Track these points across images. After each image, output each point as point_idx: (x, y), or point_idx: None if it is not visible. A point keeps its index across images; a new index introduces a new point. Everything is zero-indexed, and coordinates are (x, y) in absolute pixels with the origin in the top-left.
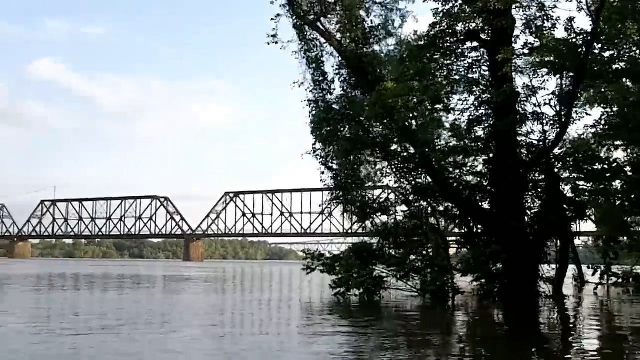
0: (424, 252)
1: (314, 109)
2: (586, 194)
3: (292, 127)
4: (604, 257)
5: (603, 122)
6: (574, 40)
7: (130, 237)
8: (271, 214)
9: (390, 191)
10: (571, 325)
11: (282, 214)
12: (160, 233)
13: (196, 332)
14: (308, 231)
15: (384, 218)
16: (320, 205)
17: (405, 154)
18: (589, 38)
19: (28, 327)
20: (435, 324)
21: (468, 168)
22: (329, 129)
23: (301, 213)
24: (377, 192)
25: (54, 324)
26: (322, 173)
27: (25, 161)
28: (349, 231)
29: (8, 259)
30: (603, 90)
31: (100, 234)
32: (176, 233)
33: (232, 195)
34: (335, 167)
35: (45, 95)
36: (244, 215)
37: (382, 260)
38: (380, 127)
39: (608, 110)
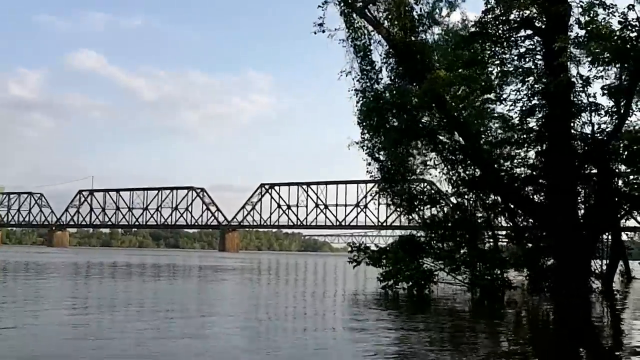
0: (474, 246)
1: (361, 98)
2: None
3: (331, 120)
4: None
5: None
6: (629, 32)
7: (167, 227)
8: (306, 206)
9: (439, 183)
10: (624, 323)
11: (317, 205)
12: (196, 223)
13: (251, 324)
14: (343, 223)
15: (433, 210)
16: (364, 196)
17: (454, 145)
18: None
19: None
20: (485, 320)
21: (520, 160)
22: (377, 118)
23: (336, 205)
24: (425, 184)
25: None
26: (369, 164)
27: (64, 151)
28: (384, 224)
29: (47, 247)
30: None
31: (137, 223)
32: (212, 224)
33: (267, 186)
34: (382, 158)
35: (85, 87)
36: (279, 206)
37: (430, 254)
38: (430, 117)
39: None
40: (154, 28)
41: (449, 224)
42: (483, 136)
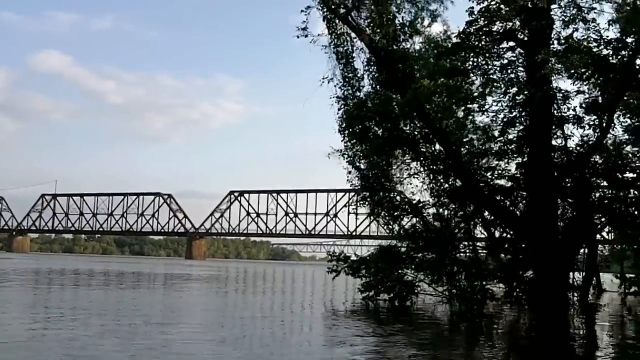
0: (454, 257)
1: (342, 106)
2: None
3: (301, 128)
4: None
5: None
6: (603, 49)
7: (132, 234)
8: (276, 214)
9: (419, 193)
10: (601, 336)
11: (286, 214)
12: (163, 230)
13: (223, 334)
14: (312, 232)
15: (413, 220)
16: (334, 205)
17: (436, 155)
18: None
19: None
20: (464, 332)
21: (500, 171)
22: (360, 126)
23: (306, 214)
24: (406, 194)
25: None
26: (349, 172)
27: (26, 154)
28: (354, 233)
29: (6, 252)
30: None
31: (101, 229)
32: (179, 231)
33: (236, 194)
34: (362, 166)
35: (49, 88)
36: (248, 214)
37: (411, 264)
38: (411, 127)
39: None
40: (124, 30)
41: (430, 235)
42: (464, 147)
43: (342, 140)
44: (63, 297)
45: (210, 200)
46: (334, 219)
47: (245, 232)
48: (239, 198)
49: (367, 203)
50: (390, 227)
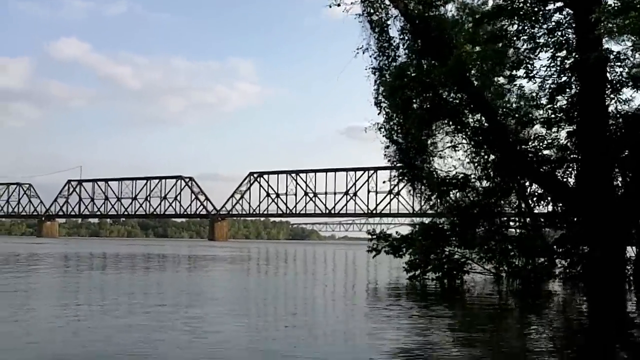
0: (504, 233)
1: (379, 77)
2: None
3: (318, 108)
4: None
5: None
6: None
7: (155, 217)
8: (295, 194)
9: (462, 166)
10: None
11: (306, 194)
12: (185, 213)
13: (268, 318)
14: (332, 211)
15: (458, 195)
16: (354, 184)
17: (480, 125)
18: None
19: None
20: (518, 311)
21: (549, 141)
22: (402, 97)
23: (325, 193)
24: (450, 167)
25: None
26: (387, 147)
27: (51, 141)
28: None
29: (36, 237)
30: None
31: (125, 213)
32: (200, 213)
33: (256, 175)
34: (401, 140)
35: (68, 75)
36: (267, 195)
37: (457, 241)
38: (453, 96)
39: None
40: (138, 15)
41: (476, 210)
42: (510, 116)
43: (378, 114)
44: (95, 280)
45: (230, 182)
46: (353, 197)
47: (265, 212)
48: (258, 179)
49: (406, 178)
50: (432, 203)
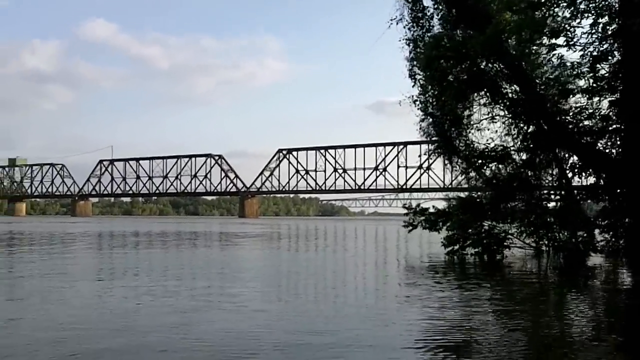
0: (546, 206)
1: (414, 48)
2: None
3: (346, 83)
4: None
5: None
6: None
7: (186, 195)
8: (324, 171)
9: (500, 139)
10: None
11: (335, 170)
12: (215, 190)
13: (310, 296)
14: (362, 187)
15: (496, 168)
16: (383, 159)
17: (518, 96)
18: None
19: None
20: (561, 286)
21: (590, 111)
22: (439, 68)
23: (354, 169)
24: (485, 140)
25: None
26: (422, 121)
27: (81, 122)
28: (404, 187)
29: (70, 217)
30: None
31: (157, 192)
32: (230, 190)
33: (285, 152)
34: (437, 113)
35: (97, 56)
36: (297, 171)
37: (496, 215)
38: (490, 67)
39: None
40: None
41: (516, 183)
42: (549, 86)
43: (413, 86)
44: (131, 259)
45: (259, 159)
46: (383, 173)
47: (295, 189)
48: (287, 156)
49: (441, 152)
50: (469, 176)
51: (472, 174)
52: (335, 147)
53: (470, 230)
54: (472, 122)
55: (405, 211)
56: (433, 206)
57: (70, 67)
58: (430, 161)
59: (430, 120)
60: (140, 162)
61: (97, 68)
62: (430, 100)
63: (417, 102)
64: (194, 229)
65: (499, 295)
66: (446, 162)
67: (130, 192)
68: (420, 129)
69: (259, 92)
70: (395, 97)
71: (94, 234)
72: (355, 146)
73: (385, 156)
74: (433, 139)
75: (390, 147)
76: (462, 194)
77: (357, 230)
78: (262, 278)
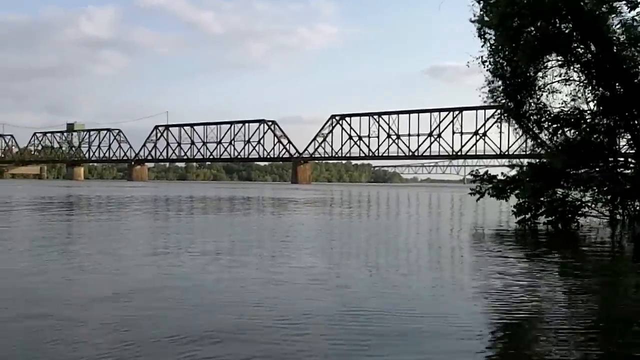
0: (623, 173)
1: (484, 6)
2: None
3: (399, 48)
4: None
5: None
6: None
7: (240, 161)
8: (377, 137)
9: (573, 102)
10: None
11: (388, 136)
12: (268, 156)
13: (382, 264)
14: (416, 153)
15: (569, 133)
16: (437, 125)
17: (595, 57)
18: None
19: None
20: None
21: None
22: (513, 27)
23: (408, 135)
24: (558, 104)
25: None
26: (490, 82)
27: (137, 87)
28: (458, 153)
29: (127, 181)
30: None
31: (211, 157)
32: (283, 156)
33: (338, 117)
34: (508, 74)
35: (153, 22)
36: (350, 137)
37: (570, 182)
38: (565, 26)
39: None
40: None
41: (591, 149)
42: (629, 47)
43: (482, 46)
44: (193, 224)
45: (312, 125)
46: (437, 139)
47: (347, 155)
48: (340, 122)
49: (512, 116)
50: (540, 141)
51: (544, 138)
52: (389, 113)
53: (542, 199)
54: (545, 85)
55: (460, 178)
56: (502, 173)
57: (126, 33)
58: (487, 127)
59: (500, 82)
60: (195, 127)
61: (152, 33)
62: (501, 62)
63: (487, 63)
64: (247, 194)
65: (571, 267)
66: (515, 126)
67: (185, 157)
68: (489, 91)
69: (313, 57)
70: (451, 62)
71: (153, 199)
72: (409, 112)
73: (440, 122)
74: (502, 102)
75: (445, 113)
76: (532, 161)
77: (414, 197)
78: (331, 247)
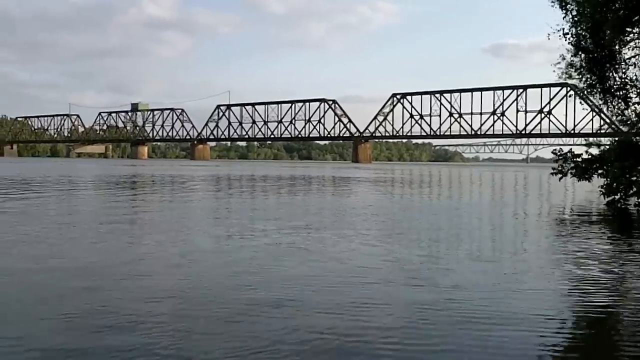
0: None
1: None
2: None
3: (461, 26)
4: None
5: None
6: None
7: (300, 140)
8: (439, 115)
9: None
10: None
11: (450, 114)
12: (329, 135)
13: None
14: (478, 132)
15: None
16: (501, 104)
17: None
18: None
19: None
20: None
21: None
22: None
23: (471, 114)
24: None
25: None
26: (573, 56)
27: (200, 67)
28: (523, 132)
29: (190, 160)
30: None
31: (272, 136)
32: (344, 135)
33: (399, 96)
34: (591, 47)
35: (214, 2)
36: (411, 116)
37: None
38: None
39: None
40: None
41: None
42: None
43: (564, 17)
44: (264, 202)
45: (373, 104)
46: (500, 117)
47: (409, 134)
48: (401, 100)
49: (595, 91)
50: (626, 118)
51: (631, 114)
52: (450, 91)
53: (634, 178)
54: (632, 58)
55: (523, 157)
56: (586, 151)
57: (188, 13)
58: (552, 105)
59: (584, 55)
60: (256, 107)
61: (214, 14)
62: (583, 34)
63: (569, 35)
64: (308, 172)
65: None
66: (600, 101)
67: (246, 136)
68: (571, 65)
69: (373, 35)
70: (512, 40)
71: (216, 178)
72: (472, 90)
73: (504, 100)
74: (582, 77)
75: (509, 91)
76: (613, 139)
77: (479, 176)
78: (407, 231)
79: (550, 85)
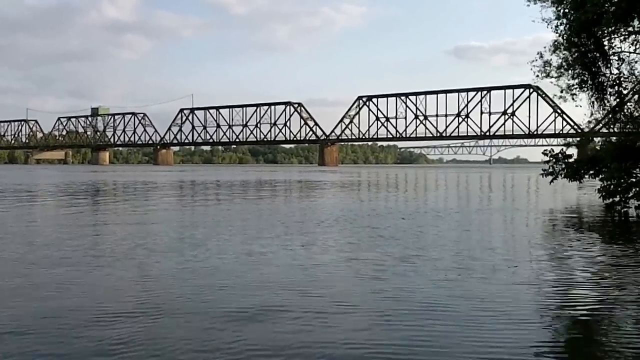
0: None
1: None
2: None
3: (425, 28)
4: None
5: None
6: None
7: (266, 143)
8: (405, 117)
9: None
10: None
11: (416, 117)
12: (295, 139)
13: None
14: (444, 134)
15: None
16: (465, 106)
17: None
18: None
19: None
20: None
21: None
22: None
23: (436, 116)
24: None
25: None
26: (555, 51)
27: (162, 71)
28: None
29: (153, 165)
30: None
31: (236, 140)
32: (310, 138)
33: (365, 99)
34: (584, 41)
35: (176, 4)
36: (377, 119)
37: None
38: None
39: None
40: None
41: None
42: None
43: (556, 8)
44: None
45: (338, 107)
46: (465, 119)
47: (374, 137)
48: (367, 103)
49: (586, 87)
50: (621, 115)
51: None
52: (416, 94)
53: (632, 180)
54: (623, 52)
55: (486, 158)
56: (578, 151)
57: (149, 16)
58: (516, 106)
59: (574, 50)
60: (220, 110)
61: (176, 17)
62: (573, 25)
63: (559, 26)
64: (275, 177)
65: None
66: (592, 98)
67: (211, 140)
68: (562, 59)
69: (338, 38)
70: (477, 42)
71: (179, 185)
72: (437, 92)
73: (468, 102)
74: (567, 74)
75: (474, 93)
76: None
77: (455, 178)
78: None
79: (513, 87)
